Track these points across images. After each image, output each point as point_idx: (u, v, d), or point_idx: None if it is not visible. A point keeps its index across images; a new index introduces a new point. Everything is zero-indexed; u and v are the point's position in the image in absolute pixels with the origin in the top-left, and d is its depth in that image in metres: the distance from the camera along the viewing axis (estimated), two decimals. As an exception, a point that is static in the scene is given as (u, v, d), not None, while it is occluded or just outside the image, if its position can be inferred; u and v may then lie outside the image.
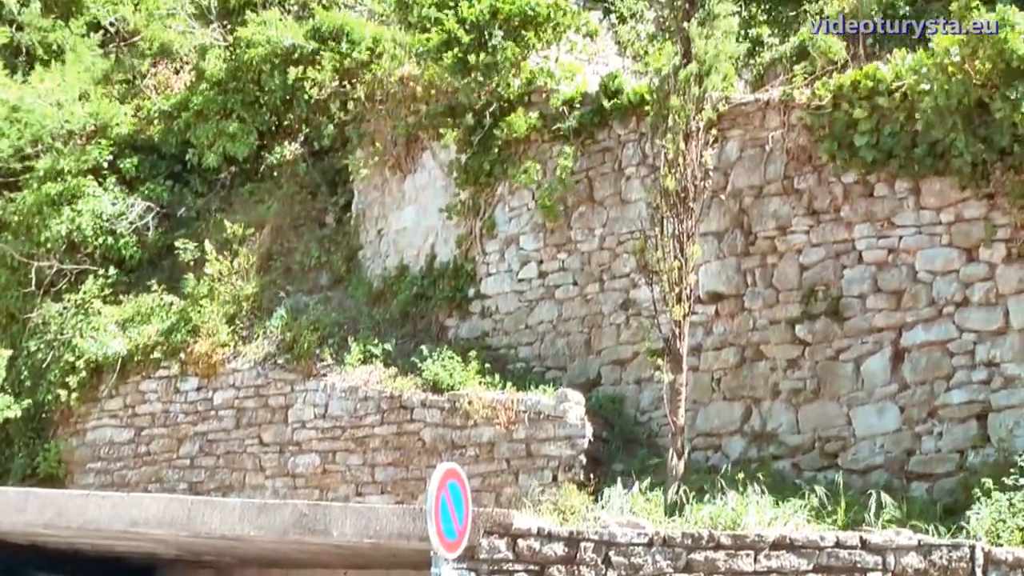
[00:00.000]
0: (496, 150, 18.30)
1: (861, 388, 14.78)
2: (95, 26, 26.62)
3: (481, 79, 18.17)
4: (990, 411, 13.86)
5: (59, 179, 22.44)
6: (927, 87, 14.14)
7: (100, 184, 22.69)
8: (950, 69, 13.79)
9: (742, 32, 24.57)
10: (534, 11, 18.30)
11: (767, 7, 27.27)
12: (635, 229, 16.45)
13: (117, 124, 23.56)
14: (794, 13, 27.15)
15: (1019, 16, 13.55)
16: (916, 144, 14.51)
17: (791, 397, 15.27)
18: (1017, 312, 13.87)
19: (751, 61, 21.77)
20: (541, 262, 18.06)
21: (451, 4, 18.74)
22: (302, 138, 22.67)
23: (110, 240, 22.12)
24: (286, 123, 22.65)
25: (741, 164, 16.04)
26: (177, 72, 25.47)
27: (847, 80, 15.20)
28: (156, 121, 23.90)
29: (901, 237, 14.77)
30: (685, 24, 15.02)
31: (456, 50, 18.23)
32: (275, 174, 22.60)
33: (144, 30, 25.80)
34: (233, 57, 22.89)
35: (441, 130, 18.62)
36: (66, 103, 23.45)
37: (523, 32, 18.25)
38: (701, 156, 14.49)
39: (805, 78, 16.35)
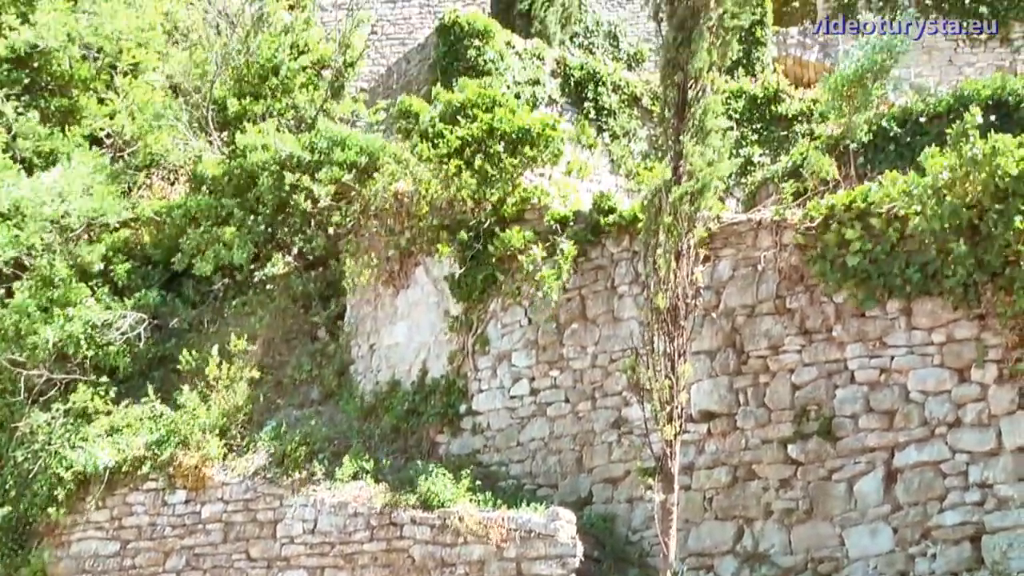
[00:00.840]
0: (490, 267, 18.34)
1: (854, 508, 14.71)
2: (92, 138, 26.76)
3: (477, 196, 18.27)
4: (984, 533, 13.80)
5: (52, 286, 22.41)
6: (919, 209, 14.24)
7: (93, 293, 22.67)
8: (942, 191, 13.91)
9: (734, 151, 24.92)
10: (529, 130, 18.45)
11: (758, 127, 27.70)
12: (627, 347, 16.48)
13: (118, 220, 23.56)
14: (785, 133, 27.60)
15: (1011, 144, 13.71)
16: (908, 265, 14.57)
17: (784, 517, 15.19)
18: (1009, 433, 13.85)
19: (743, 180, 22.03)
20: (533, 379, 18.04)
21: (450, 120, 18.91)
22: (296, 250, 22.70)
23: (100, 350, 22.03)
24: (280, 235, 22.71)
25: (733, 283, 16.09)
26: (173, 183, 25.59)
27: (839, 201, 15.30)
28: (150, 228, 23.93)
29: (893, 357, 14.78)
30: (677, 142, 15.11)
31: (455, 162, 18.33)
32: (268, 286, 22.57)
33: (141, 139, 25.92)
34: (230, 164, 23.00)
35: (435, 246, 18.66)
36: (70, 195, 23.43)
37: (520, 150, 18.38)
38: (692, 274, 14.52)
39: (797, 198, 16.45)
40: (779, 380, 15.57)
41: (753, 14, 16.55)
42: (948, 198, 13.88)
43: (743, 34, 18.00)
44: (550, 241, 17.87)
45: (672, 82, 15.00)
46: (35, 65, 26.95)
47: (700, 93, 14.77)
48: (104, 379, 21.72)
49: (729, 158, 15.33)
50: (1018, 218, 13.43)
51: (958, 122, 14.69)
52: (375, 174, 20.72)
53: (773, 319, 15.73)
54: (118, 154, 26.50)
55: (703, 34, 14.92)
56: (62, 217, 23.16)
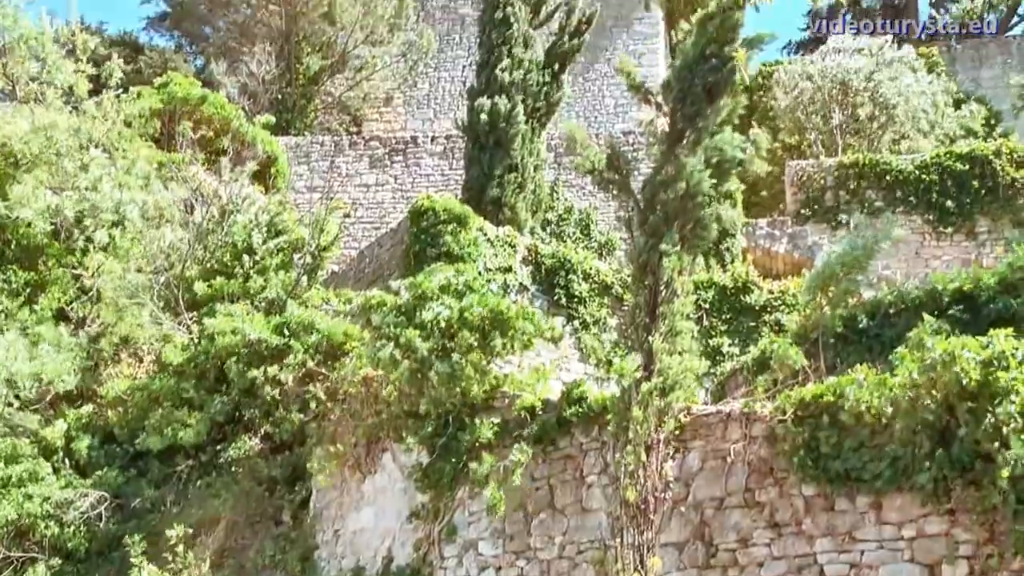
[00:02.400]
0: (458, 456, 18.21)
1: None
2: (59, 312, 26.69)
3: (443, 387, 18.23)
4: None
5: (14, 462, 22.19)
6: (888, 407, 14.26)
7: (54, 469, 22.46)
8: (911, 390, 13.95)
9: (703, 342, 25.03)
10: (503, 316, 18.49)
11: (727, 317, 27.89)
12: (596, 538, 16.28)
13: (75, 389, 23.44)
14: (754, 323, 27.78)
15: (972, 343, 13.78)
16: (878, 460, 14.53)
17: None
18: (981, 635, 13.69)
19: (712, 370, 22.06)
20: (500, 568, 17.75)
21: (418, 308, 18.95)
22: (262, 432, 22.57)
23: (57, 529, 21.73)
24: (247, 416, 22.60)
25: (702, 475, 15.97)
26: (140, 360, 25.50)
27: (809, 394, 15.29)
28: (115, 407, 23.79)
29: (863, 552, 14.61)
30: (648, 338, 15.21)
31: (413, 363, 18.32)
32: (233, 468, 22.39)
33: (108, 317, 25.87)
34: (196, 350, 22.99)
35: (403, 432, 18.58)
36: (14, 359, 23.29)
37: (491, 336, 18.40)
38: (662, 468, 14.50)
39: (767, 390, 16.46)
40: (748, 574, 15.36)
41: (720, 226, 16.82)
42: (917, 397, 13.91)
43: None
44: (518, 429, 17.81)
45: (643, 285, 15.21)
46: (6, 237, 26.96)
47: (670, 296, 14.95)
48: (58, 560, 21.41)
49: (700, 358, 15.45)
50: (987, 418, 13.45)
51: (920, 323, 14.79)
52: (343, 359, 20.72)
53: (742, 512, 15.60)
54: (85, 329, 26.42)
55: (674, 241, 15.16)
56: (8, 381, 22.98)
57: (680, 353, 15.13)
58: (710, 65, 16.56)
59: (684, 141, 16.49)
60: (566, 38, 34.21)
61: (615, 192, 17.18)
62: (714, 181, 16.11)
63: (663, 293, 15.41)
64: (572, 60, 34.99)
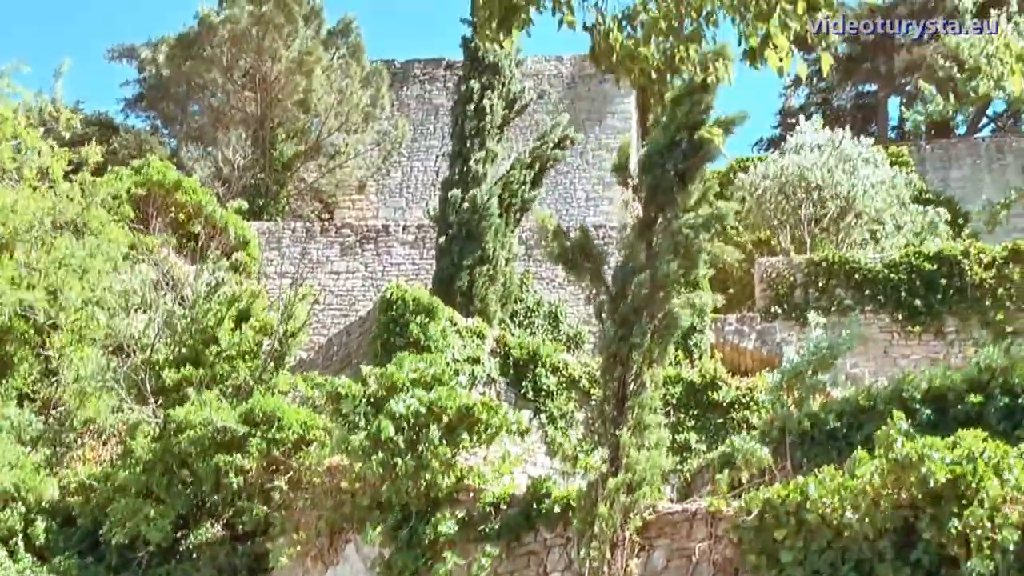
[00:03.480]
0: (421, 548, 18.06)
1: None
2: (23, 394, 26.50)
3: (409, 479, 18.13)
4: None
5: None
6: (851, 511, 14.21)
7: (10, 553, 22.19)
8: (874, 493, 13.91)
9: (671, 438, 24.95)
10: (470, 410, 18.44)
11: (695, 413, 27.85)
12: (559, 639, 16.19)
13: (40, 495, 23.21)
14: (721, 420, 27.75)
15: (940, 444, 13.78)
16: (842, 562, 14.45)
17: None
18: None
19: (679, 466, 22.01)
20: (461, 669, 17.61)
21: (388, 397, 18.88)
22: (224, 520, 22.34)
23: (16, 617, 21.48)
24: (209, 504, 22.39)
25: (667, 574, 15.87)
26: (105, 443, 25.30)
27: (774, 494, 15.24)
28: (76, 493, 23.55)
29: (827, 655, 14.55)
30: (616, 431, 15.17)
31: (383, 453, 18.23)
32: (194, 555, 22.14)
33: (73, 401, 25.70)
34: (163, 437, 22.82)
35: (366, 524, 18.44)
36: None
37: (458, 431, 18.34)
38: (627, 566, 14.40)
39: (732, 488, 16.41)
40: (712, 676, 15.29)
41: (694, 315, 16.84)
42: (881, 500, 13.87)
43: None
44: (482, 524, 17.69)
45: (612, 376, 15.16)
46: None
47: (639, 388, 14.91)
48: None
49: (667, 454, 15.41)
50: (952, 521, 13.41)
51: (888, 421, 14.78)
52: (308, 447, 20.60)
53: (708, 612, 15.53)
54: (50, 412, 26.24)
55: (644, 332, 15.16)
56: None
57: (648, 448, 15.09)
58: (681, 149, 16.59)
59: (655, 228, 16.52)
60: (549, 145, 34.49)
61: (586, 281, 17.14)
62: (683, 270, 16.14)
63: (632, 385, 15.39)
64: (552, 166, 35.35)
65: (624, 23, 8.05)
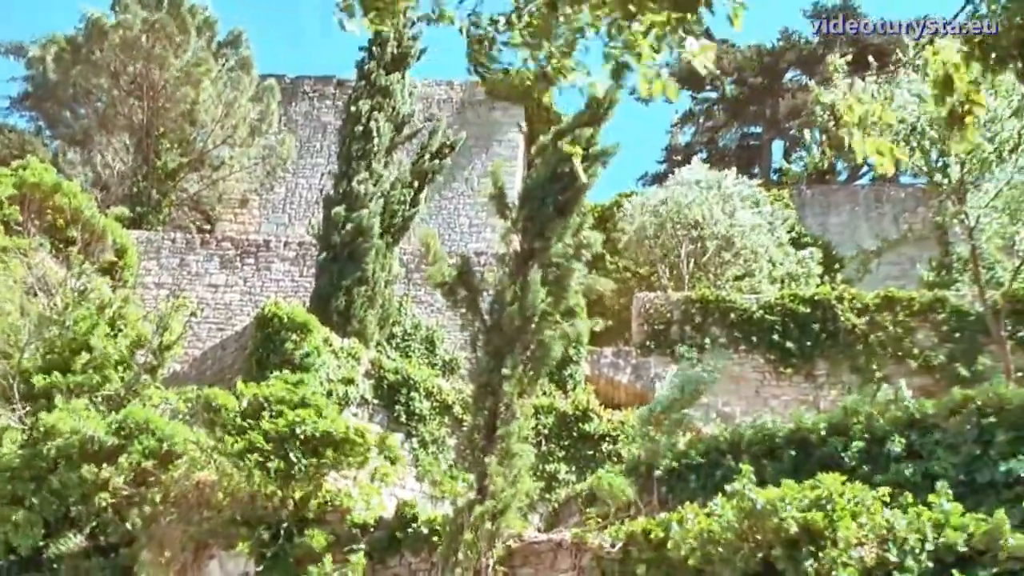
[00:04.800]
0: (287, 566, 17.99)
1: None
2: None
3: (279, 493, 18.08)
4: None
5: None
6: (711, 548, 14.43)
7: None
8: (733, 537, 14.14)
9: (539, 468, 25.08)
10: (339, 434, 18.43)
11: (566, 444, 27.99)
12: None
13: None
14: (592, 452, 27.92)
15: (796, 489, 14.08)
16: (703, 598, 14.68)
17: None
18: None
19: (547, 496, 22.11)
20: None
21: (256, 414, 18.81)
22: (89, 531, 22.05)
23: None
24: (75, 514, 22.08)
25: (538, 601, 16.03)
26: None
27: (638, 528, 15.44)
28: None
29: None
30: (484, 459, 15.26)
31: (255, 457, 18.16)
32: (55, 565, 21.81)
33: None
34: (31, 444, 22.48)
35: (233, 540, 18.32)
36: None
37: (324, 452, 18.31)
38: (489, 595, 14.49)
39: (598, 521, 16.57)
40: None
41: (568, 343, 17.02)
42: (741, 542, 14.11)
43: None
44: (349, 545, 17.69)
45: (483, 405, 15.27)
46: None
47: (509, 417, 15.02)
48: None
49: (533, 478, 15.52)
50: (809, 561, 13.67)
51: (743, 468, 15.05)
52: (177, 461, 20.43)
53: (567, 640, 15.66)
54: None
55: (516, 362, 15.29)
56: None
57: (515, 477, 15.20)
58: (561, 184, 16.76)
59: (532, 259, 16.67)
60: (427, 157, 34.49)
61: (463, 309, 17.26)
62: (553, 299, 16.28)
63: (502, 415, 15.52)
64: (432, 180, 35.28)
65: (496, 31, 8.08)
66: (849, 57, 27.74)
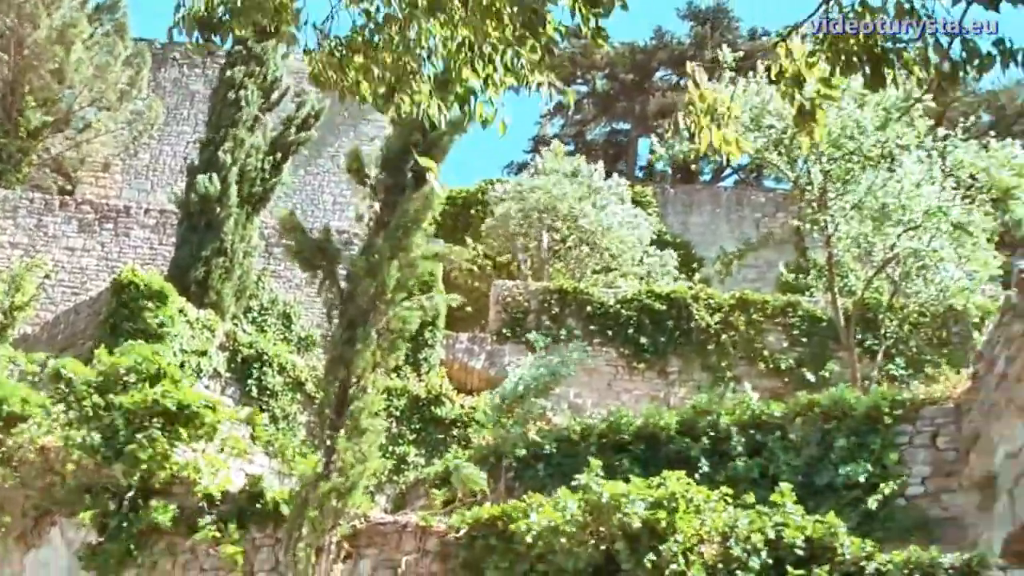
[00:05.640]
0: (130, 537, 17.80)
1: None
2: None
3: (125, 466, 17.88)
4: None
5: None
6: (555, 539, 14.61)
7: None
8: (577, 528, 14.34)
9: (389, 449, 25.14)
10: (189, 407, 18.29)
11: (417, 427, 28.08)
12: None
13: None
14: (443, 436, 28.05)
15: (640, 486, 14.34)
16: (546, 585, 14.85)
17: None
18: None
19: (395, 478, 22.16)
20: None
21: (112, 384, 18.59)
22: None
23: None
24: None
25: (372, 582, 16.08)
26: None
27: (484, 514, 15.56)
28: None
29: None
30: (332, 437, 15.26)
31: (102, 438, 17.95)
32: None
33: None
34: None
35: (76, 508, 18.09)
36: None
37: (175, 425, 18.17)
38: (330, 572, 14.50)
39: (445, 505, 16.68)
40: None
41: (424, 317, 17.08)
42: (584, 533, 14.32)
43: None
44: (195, 518, 17.56)
45: (335, 377, 15.25)
46: None
47: (360, 392, 15.03)
48: None
49: (382, 457, 15.56)
50: (649, 555, 13.92)
51: (591, 461, 15.27)
52: (23, 424, 20.11)
53: (408, 623, 15.73)
54: None
55: (370, 336, 15.28)
56: None
57: (364, 454, 15.21)
58: (417, 152, 16.71)
59: (385, 229, 16.63)
60: (293, 129, 34.24)
61: (321, 279, 17.14)
62: (405, 269, 16.27)
63: (353, 389, 15.50)
64: (296, 151, 34.99)
65: (343, 50, 8.09)
66: (740, 54, 28.18)
